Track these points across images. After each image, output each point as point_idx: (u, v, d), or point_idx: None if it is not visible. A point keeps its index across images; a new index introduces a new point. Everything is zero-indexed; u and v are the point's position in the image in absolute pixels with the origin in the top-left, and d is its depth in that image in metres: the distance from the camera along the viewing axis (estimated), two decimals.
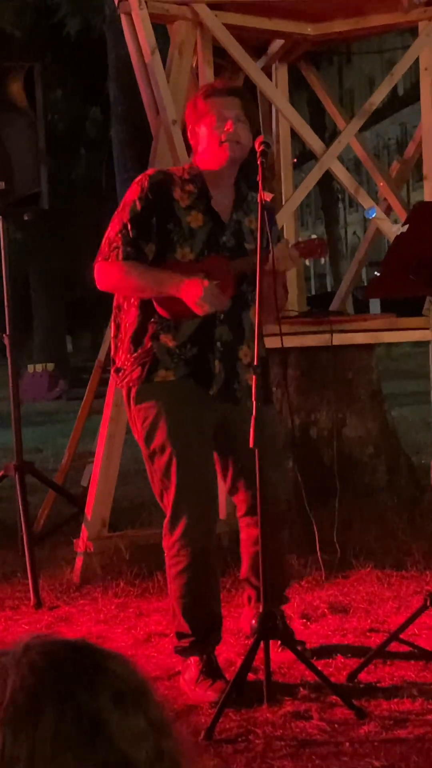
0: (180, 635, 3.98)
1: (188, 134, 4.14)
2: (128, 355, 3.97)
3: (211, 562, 3.98)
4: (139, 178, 4.04)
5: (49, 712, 0.95)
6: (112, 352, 4.10)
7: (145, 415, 3.92)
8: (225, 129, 3.95)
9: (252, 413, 3.64)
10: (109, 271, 3.94)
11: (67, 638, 1.05)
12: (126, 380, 3.97)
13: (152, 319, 3.92)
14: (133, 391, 3.95)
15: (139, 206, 3.92)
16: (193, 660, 3.93)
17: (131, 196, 3.96)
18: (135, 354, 3.94)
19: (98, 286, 4.01)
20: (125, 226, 3.91)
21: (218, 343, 3.95)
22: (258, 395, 3.67)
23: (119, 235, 3.91)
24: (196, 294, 3.80)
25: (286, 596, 4.33)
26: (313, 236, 4.23)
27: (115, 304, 4.07)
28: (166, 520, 3.94)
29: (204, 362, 3.94)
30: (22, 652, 0.99)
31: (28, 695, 0.95)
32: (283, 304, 4.36)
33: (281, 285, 4.12)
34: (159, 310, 3.90)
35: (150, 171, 4.09)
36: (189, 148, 5.92)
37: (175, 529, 3.90)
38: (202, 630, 3.95)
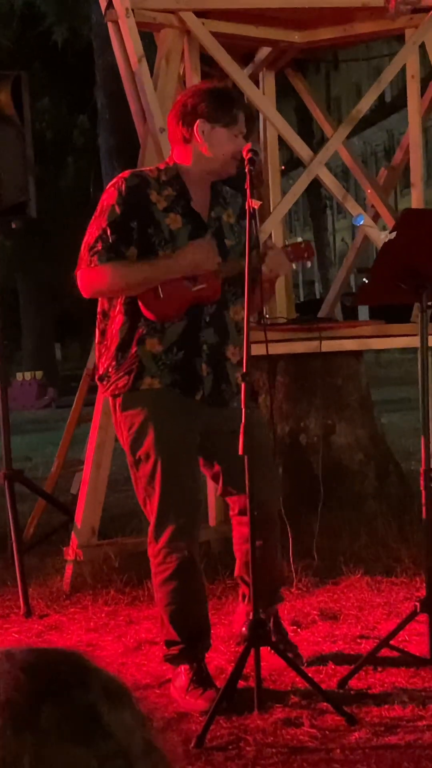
0: (169, 643, 3.97)
1: (178, 127, 3.97)
2: (113, 362, 3.94)
3: (196, 568, 3.97)
4: (114, 181, 3.97)
5: (47, 708, 0.96)
6: (96, 359, 4.08)
7: (131, 422, 3.91)
8: (239, 145, 3.92)
9: (240, 414, 3.63)
10: (94, 276, 3.88)
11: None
12: (111, 388, 3.95)
13: (138, 324, 3.89)
14: (119, 399, 3.93)
15: (118, 210, 3.86)
16: (183, 668, 3.92)
17: (108, 200, 3.90)
18: (121, 361, 3.92)
19: (83, 294, 3.94)
20: (104, 231, 3.86)
21: (204, 346, 3.93)
22: (247, 401, 3.66)
23: (99, 240, 3.86)
24: (193, 253, 3.83)
25: (280, 595, 4.33)
26: (299, 239, 4.19)
27: (99, 310, 4.02)
28: (150, 528, 3.93)
29: (191, 367, 3.92)
30: (5, 658, 1.00)
31: (25, 694, 0.96)
32: (269, 299, 4.31)
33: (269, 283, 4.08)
34: (145, 312, 3.87)
35: (125, 173, 4.00)
36: None
37: (161, 536, 3.89)
38: (191, 637, 3.94)
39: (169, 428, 3.88)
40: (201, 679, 3.88)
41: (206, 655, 4.00)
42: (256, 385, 4.25)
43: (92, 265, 3.86)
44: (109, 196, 3.91)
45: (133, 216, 3.86)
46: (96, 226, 3.89)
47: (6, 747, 0.93)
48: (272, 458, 4.27)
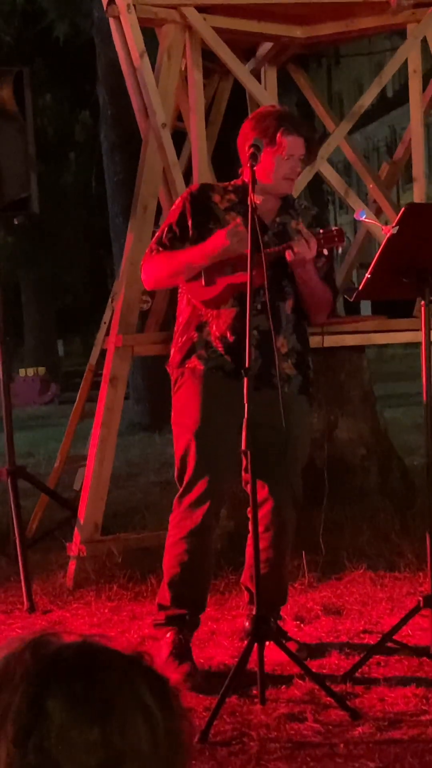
0: (160, 607, 4.13)
1: (241, 150, 4.13)
2: (176, 345, 4.20)
3: (207, 542, 4.10)
4: (183, 193, 4.36)
5: (54, 706, 1.03)
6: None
7: (176, 398, 4.16)
8: (292, 167, 4.14)
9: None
10: (147, 266, 4.22)
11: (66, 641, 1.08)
12: (168, 363, 4.23)
13: (198, 313, 4.14)
14: (171, 376, 4.21)
15: (176, 215, 4.19)
16: (165, 642, 4.03)
17: (172, 207, 4.31)
18: (179, 343, 4.17)
19: (145, 286, 4.44)
20: (163, 231, 4.20)
21: (255, 331, 4.02)
22: (250, 398, 3.70)
23: (155, 239, 4.22)
24: (221, 238, 3.98)
25: (282, 601, 4.38)
26: (333, 227, 4.22)
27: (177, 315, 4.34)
28: (177, 495, 4.11)
29: (241, 350, 4.03)
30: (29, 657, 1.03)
31: (31, 700, 0.99)
32: (314, 293, 4.28)
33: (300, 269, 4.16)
34: (194, 301, 4.12)
35: (193, 186, 4.36)
36: (179, 151, 5.95)
37: (181, 502, 4.08)
38: (182, 603, 4.06)
39: (206, 406, 4.07)
40: (179, 652, 3.99)
41: (209, 651, 4.02)
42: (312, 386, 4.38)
43: (146, 258, 4.22)
44: (174, 205, 4.30)
45: (191, 216, 4.13)
46: (159, 230, 4.25)
47: (18, 722, 0.94)
48: (298, 467, 4.26)
